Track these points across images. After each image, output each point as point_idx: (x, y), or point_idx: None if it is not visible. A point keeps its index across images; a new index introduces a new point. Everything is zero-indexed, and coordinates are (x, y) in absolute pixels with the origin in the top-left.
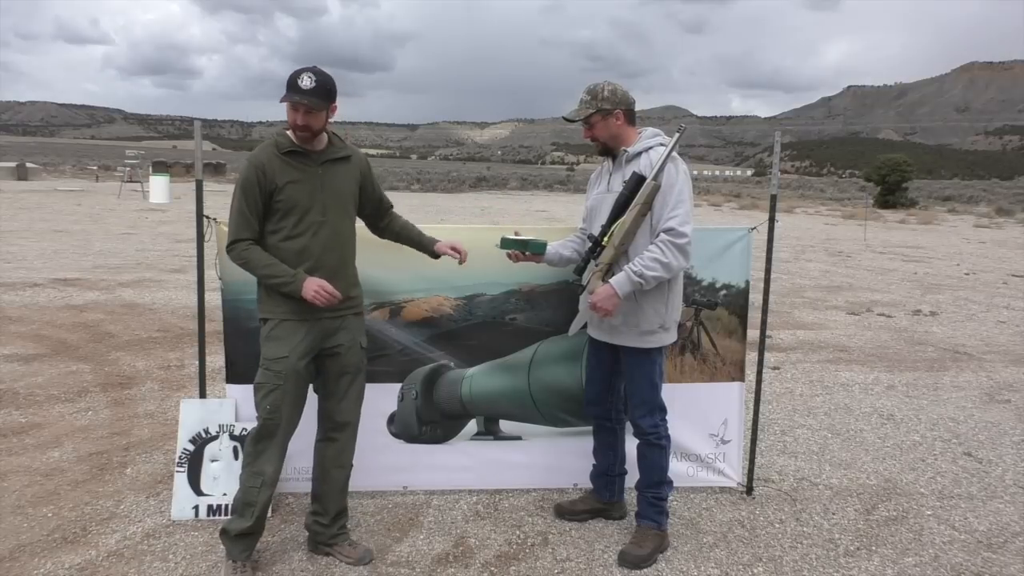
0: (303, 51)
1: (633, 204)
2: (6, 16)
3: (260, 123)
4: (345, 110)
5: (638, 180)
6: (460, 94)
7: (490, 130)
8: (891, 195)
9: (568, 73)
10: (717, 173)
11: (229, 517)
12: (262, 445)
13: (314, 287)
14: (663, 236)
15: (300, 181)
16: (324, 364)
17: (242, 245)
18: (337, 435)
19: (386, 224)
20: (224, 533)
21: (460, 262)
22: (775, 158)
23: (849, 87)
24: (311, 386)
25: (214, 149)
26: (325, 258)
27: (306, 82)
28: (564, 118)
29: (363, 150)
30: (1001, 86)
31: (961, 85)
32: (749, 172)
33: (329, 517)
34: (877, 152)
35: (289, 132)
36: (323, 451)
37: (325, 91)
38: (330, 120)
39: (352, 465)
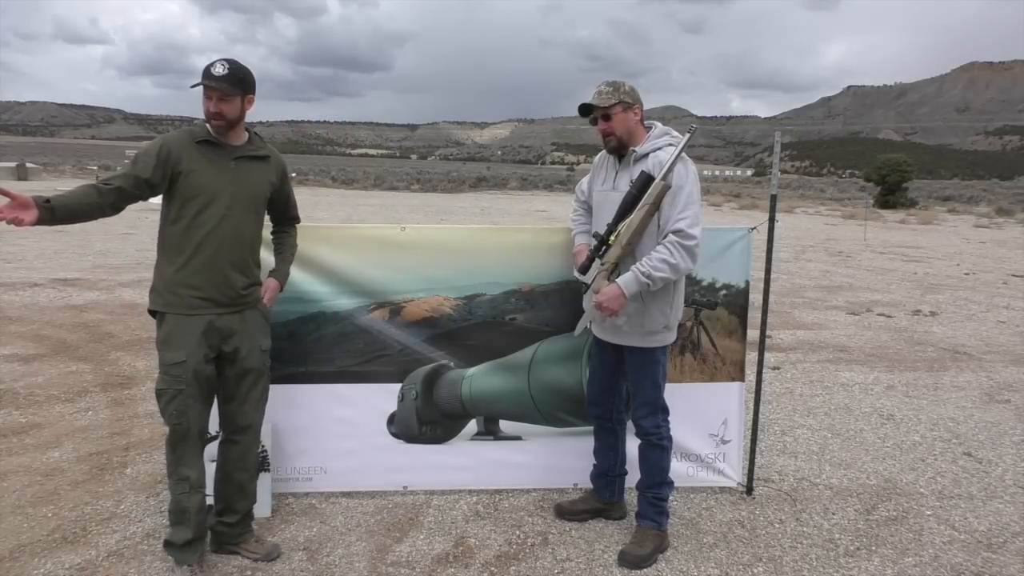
0: (302, 51)
1: (641, 204)
2: (5, 16)
3: (260, 123)
4: (345, 110)
5: (646, 180)
6: (460, 94)
7: (490, 130)
8: (891, 195)
9: (568, 73)
10: (717, 173)
11: (169, 529)
12: (179, 451)
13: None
14: (672, 237)
15: (207, 171)
16: (223, 367)
17: (100, 184)
18: (239, 438)
19: (275, 237)
20: (169, 545)
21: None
22: (775, 158)
23: (849, 87)
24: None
25: None
26: (224, 251)
27: (219, 69)
28: (585, 104)
29: (363, 150)
30: (1001, 86)
31: (961, 85)
32: (749, 172)
33: (236, 518)
34: (877, 152)
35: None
36: (225, 453)
37: (238, 79)
38: (246, 112)
39: (259, 467)
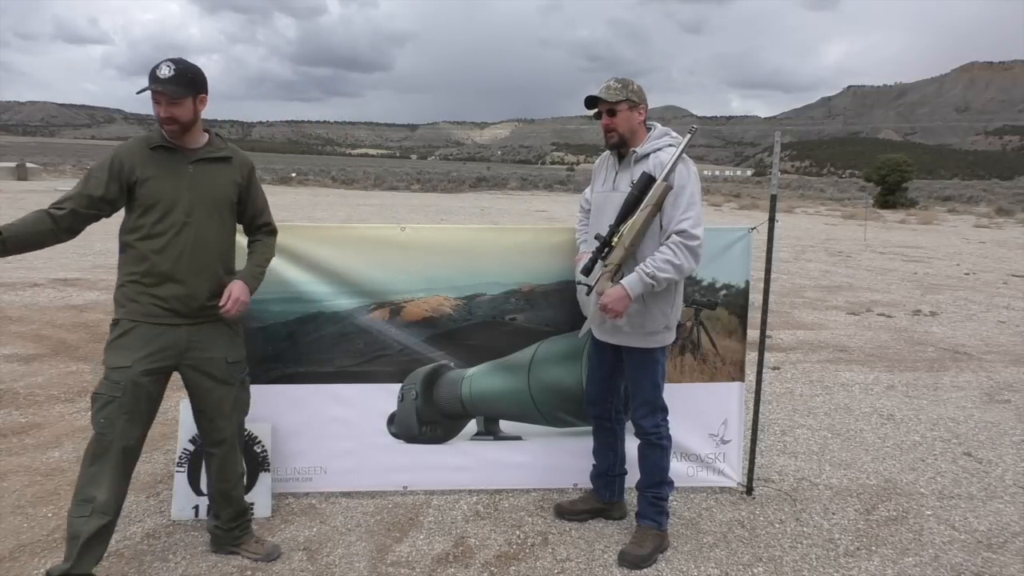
0: (302, 51)
1: (644, 205)
2: (5, 16)
3: (260, 123)
4: (345, 110)
5: (648, 180)
6: (460, 94)
7: (490, 130)
8: (891, 195)
9: (568, 73)
10: (717, 173)
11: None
12: (95, 467)
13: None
14: (675, 238)
15: (162, 177)
16: (188, 379)
17: (52, 209)
18: (215, 450)
19: (249, 245)
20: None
21: (220, 307)
22: (775, 158)
23: (849, 87)
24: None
25: None
26: (185, 261)
27: (164, 71)
28: (592, 96)
29: (363, 150)
30: (1001, 86)
31: (961, 85)
32: (749, 172)
33: (227, 523)
34: (877, 152)
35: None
36: (208, 464)
37: (186, 80)
38: (200, 112)
39: (243, 474)
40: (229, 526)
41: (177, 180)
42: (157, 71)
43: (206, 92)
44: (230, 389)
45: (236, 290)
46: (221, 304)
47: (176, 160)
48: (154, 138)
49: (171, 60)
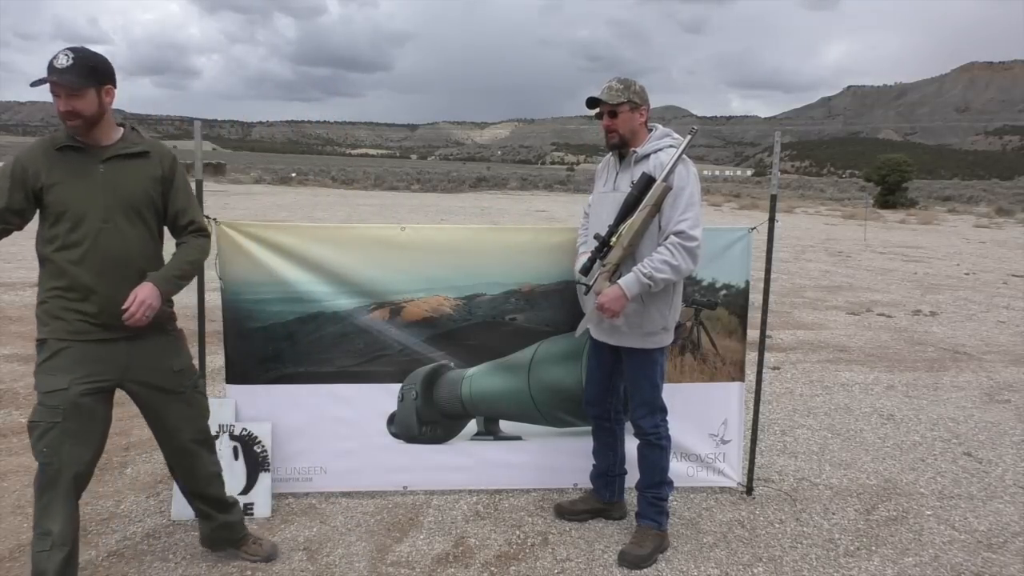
0: (302, 51)
1: (643, 205)
2: (5, 16)
3: (260, 123)
4: (345, 110)
5: (647, 181)
6: (460, 94)
7: (490, 130)
8: (891, 195)
9: (568, 73)
10: (717, 173)
11: None
12: (46, 498)
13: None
14: (673, 239)
15: (71, 181)
16: (137, 397)
17: None
18: (181, 462)
19: (176, 247)
20: None
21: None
22: (775, 158)
23: (849, 87)
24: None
25: (214, 149)
26: (109, 271)
27: (62, 60)
28: (592, 98)
29: (363, 150)
30: (1001, 86)
31: (961, 85)
32: (749, 172)
33: (209, 527)
34: (877, 152)
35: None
36: (173, 473)
37: (87, 69)
38: (108, 104)
39: (218, 473)
40: (222, 520)
41: (88, 183)
42: (55, 61)
43: (113, 83)
44: (182, 398)
45: (142, 293)
46: (124, 307)
47: (85, 160)
48: (60, 138)
49: (70, 48)
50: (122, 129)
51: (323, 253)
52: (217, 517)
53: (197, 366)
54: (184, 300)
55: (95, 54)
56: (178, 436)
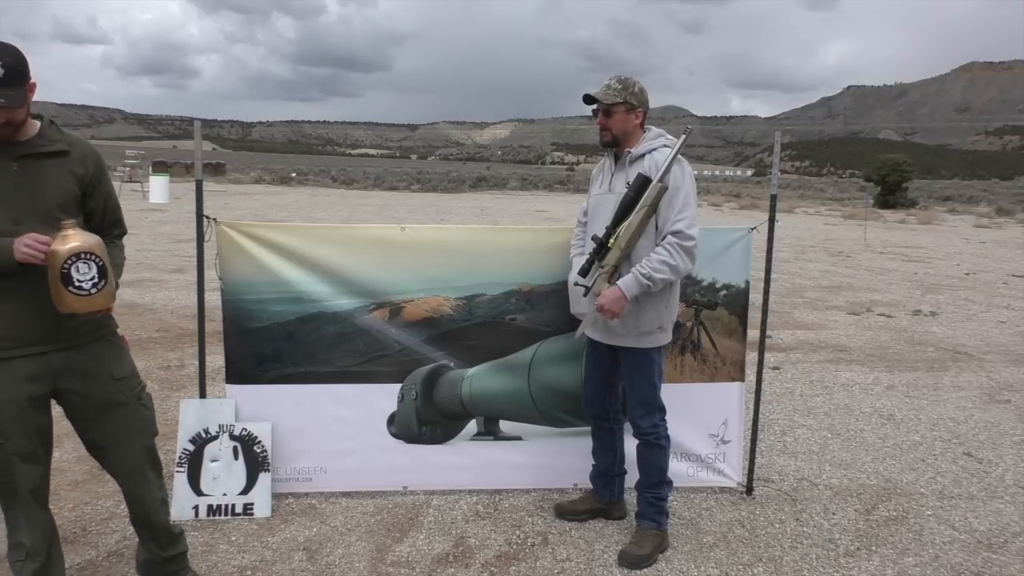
0: (302, 51)
1: (639, 206)
2: (5, 16)
3: (260, 123)
4: (345, 110)
5: (643, 182)
6: (460, 94)
7: (490, 130)
8: (891, 195)
9: (567, 73)
10: (717, 173)
11: None
12: (11, 513)
13: (25, 243)
14: (670, 239)
15: None
16: (72, 408)
17: None
18: (122, 481)
19: None
20: None
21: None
22: (775, 158)
23: (849, 87)
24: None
25: (214, 149)
26: (29, 278)
27: None
28: (589, 95)
29: (363, 150)
30: (1001, 86)
31: (961, 85)
32: (749, 172)
33: (163, 548)
34: (877, 152)
35: None
36: (123, 493)
37: (22, 76)
38: (31, 101)
39: (164, 500)
40: (167, 555)
41: (1, 183)
42: None
43: (30, 78)
44: (124, 409)
45: None
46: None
47: None
48: None
49: None
50: (38, 123)
51: (323, 253)
52: (159, 553)
53: (143, 378)
54: (184, 300)
55: (17, 51)
56: (121, 454)
